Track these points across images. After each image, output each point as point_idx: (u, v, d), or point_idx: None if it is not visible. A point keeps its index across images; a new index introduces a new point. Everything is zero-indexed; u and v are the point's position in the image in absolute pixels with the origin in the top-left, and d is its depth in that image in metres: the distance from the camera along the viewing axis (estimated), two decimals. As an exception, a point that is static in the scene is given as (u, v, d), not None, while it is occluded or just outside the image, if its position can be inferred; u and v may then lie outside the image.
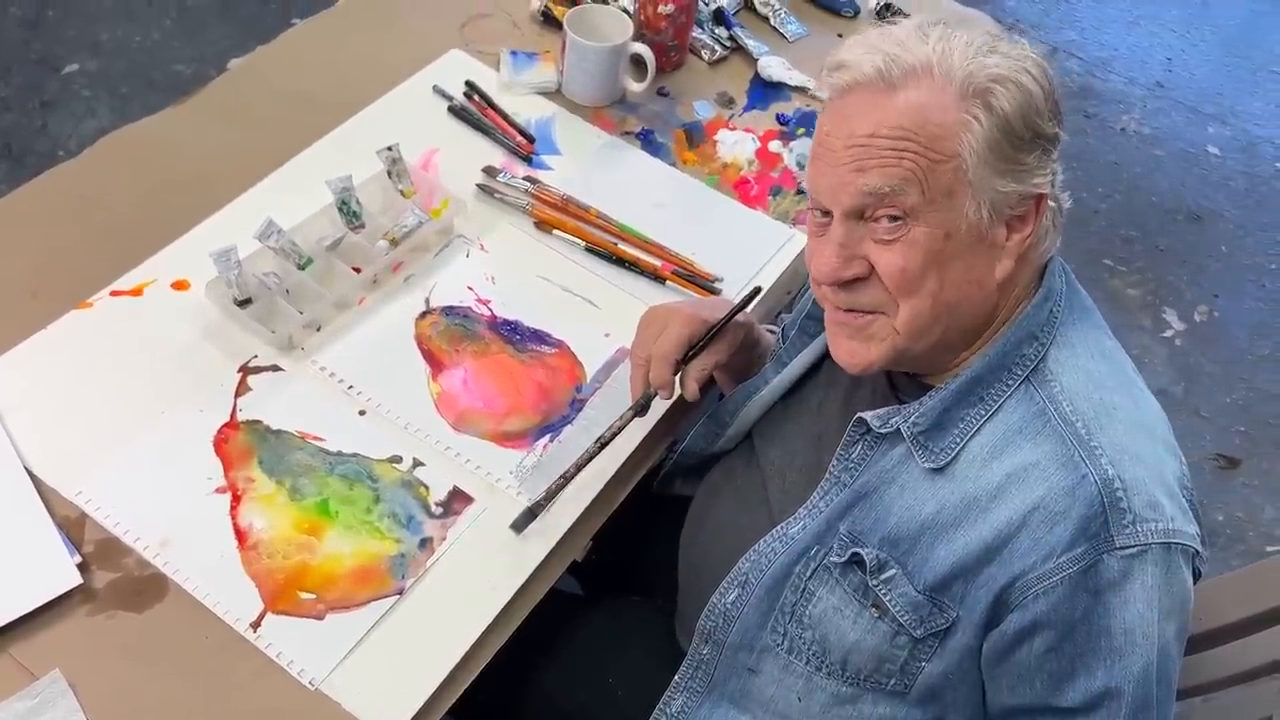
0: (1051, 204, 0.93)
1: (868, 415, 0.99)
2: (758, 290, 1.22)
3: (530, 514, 1.10)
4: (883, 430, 0.97)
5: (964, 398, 0.94)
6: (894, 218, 0.89)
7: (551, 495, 1.11)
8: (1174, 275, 2.75)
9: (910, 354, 0.95)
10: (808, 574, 0.99)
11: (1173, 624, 0.90)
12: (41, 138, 2.51)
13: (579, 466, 1.12)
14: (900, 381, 1.03)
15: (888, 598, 0.94)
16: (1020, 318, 0.95)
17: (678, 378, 1.15)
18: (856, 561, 0.96)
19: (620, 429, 1.14)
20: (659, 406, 1.20)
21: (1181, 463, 0.95)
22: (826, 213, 0.94)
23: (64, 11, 2.79)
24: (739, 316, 1.17)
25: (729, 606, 1.03)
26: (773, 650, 1.01)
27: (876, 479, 0.97)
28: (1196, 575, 0.94)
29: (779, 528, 1.03)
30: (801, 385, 1.14)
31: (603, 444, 1.13)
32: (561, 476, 1.11)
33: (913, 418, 0.95)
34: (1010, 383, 0.94)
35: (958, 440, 0.94)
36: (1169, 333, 2.61)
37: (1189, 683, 1.14)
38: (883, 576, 0.94)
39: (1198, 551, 0.91)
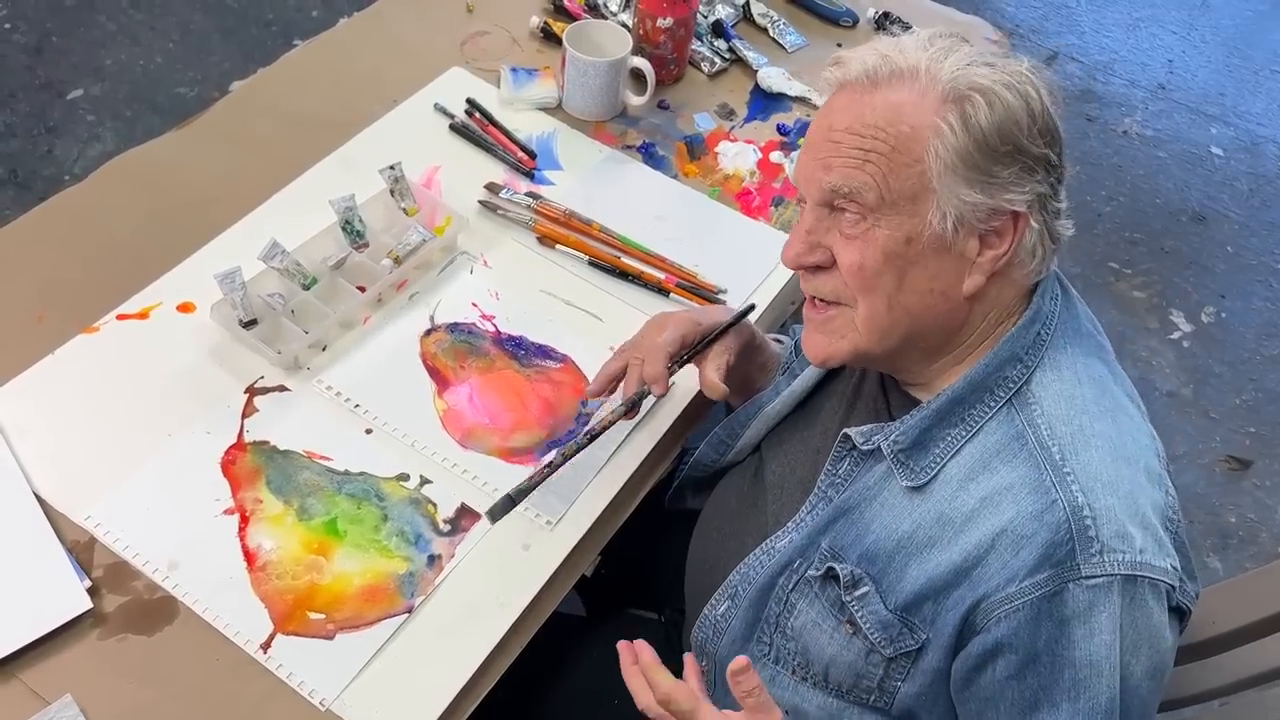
0: (1035, 225, 0.90)
1: (852, 431, 0.99)
2: (752, 307, 1.21)
3: (510, 501, 1.07)
4: (866, 447, 0.97)
5: (945, 417, 0.94)
6: (859, 214, 0.90)
7: (534, 484, 1.08)
8: (1180, 277, 2.74)
9: (873, 356, 0.95)
10: (790, 587, 0.99)
11: (1141, 660, 0.87)
12: (47, 162, 2.53)
13: (565, 457, 1.09)
14: (894, 397, 1.02)
15: (860, 615, 0.94)
16: (1004, 338, 0.93)
17: (679, 376, 1.14)
18: (833, 576, 0.96)
19: (610, 424, 1.12)
20: (663, 412, 1.20)
21: (1168, 493, 0.93)
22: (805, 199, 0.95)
23: (67, 37, 2.82)
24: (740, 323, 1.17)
25: (719, 618, 1.04)
26: (759, 661, 1.01)
27: (859, 495, 0.97)
28: (1183, 611, 0.91)
29: (767, 541, 1.03)
30: (812, 398, 1.14)
31: (591, 437, 1.11)
32: (547, 465, 1.09)
33: (893, 435, 0.95)
34: (993, 404, 0.93)
35: (938, 460, 0.93)
36: (1176, 334, 2.61)
37: (1203, 688, 1.13)
38: (856, 593, 0.94)
39: (1173, 586, 0.88)
